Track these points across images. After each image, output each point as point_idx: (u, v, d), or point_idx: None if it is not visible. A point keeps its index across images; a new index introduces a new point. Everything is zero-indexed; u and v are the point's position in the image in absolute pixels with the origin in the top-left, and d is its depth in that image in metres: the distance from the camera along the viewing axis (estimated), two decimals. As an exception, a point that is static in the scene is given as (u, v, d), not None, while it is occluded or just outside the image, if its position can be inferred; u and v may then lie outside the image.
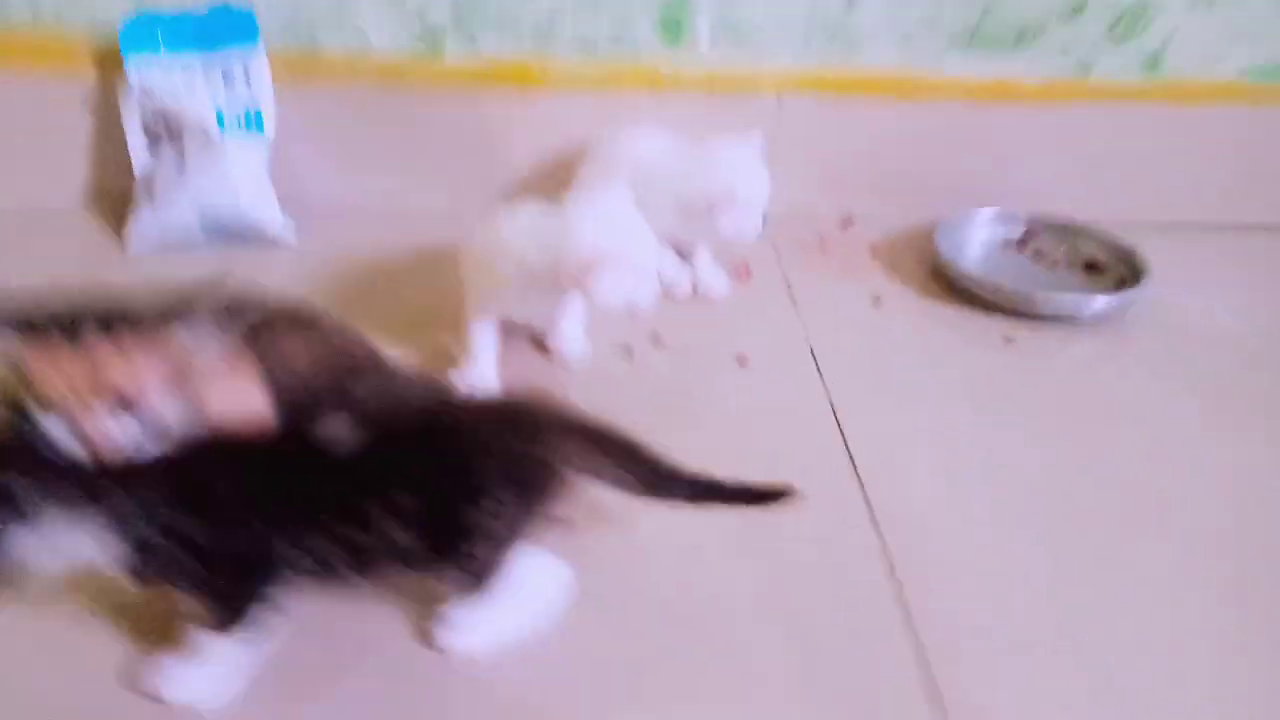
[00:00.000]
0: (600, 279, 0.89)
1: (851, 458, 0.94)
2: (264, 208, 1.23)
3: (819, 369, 1.07)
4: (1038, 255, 1.31)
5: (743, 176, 1.10)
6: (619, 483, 0.73)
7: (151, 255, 1.21)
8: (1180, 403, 1.05)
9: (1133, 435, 1.00)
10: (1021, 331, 1.15)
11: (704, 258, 1.21)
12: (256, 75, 1.22)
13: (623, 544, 0.82)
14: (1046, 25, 1.28)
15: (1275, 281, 1.30)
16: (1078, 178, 1.36)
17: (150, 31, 1.19)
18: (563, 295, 0.98)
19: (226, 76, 1.22)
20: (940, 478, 0.93)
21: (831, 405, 1.01)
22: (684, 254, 1.20)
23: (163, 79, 1.20)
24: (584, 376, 1.04)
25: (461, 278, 1.01)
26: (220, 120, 1.21)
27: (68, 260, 1.20)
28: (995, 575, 0.83)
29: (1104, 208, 1.33)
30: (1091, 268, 1.28)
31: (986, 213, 1.34)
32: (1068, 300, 1.18)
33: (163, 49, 1.20)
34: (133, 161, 1.23)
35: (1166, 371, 1.10)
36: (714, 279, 1.20)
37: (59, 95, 1.24)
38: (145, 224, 1.21)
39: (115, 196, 1.28)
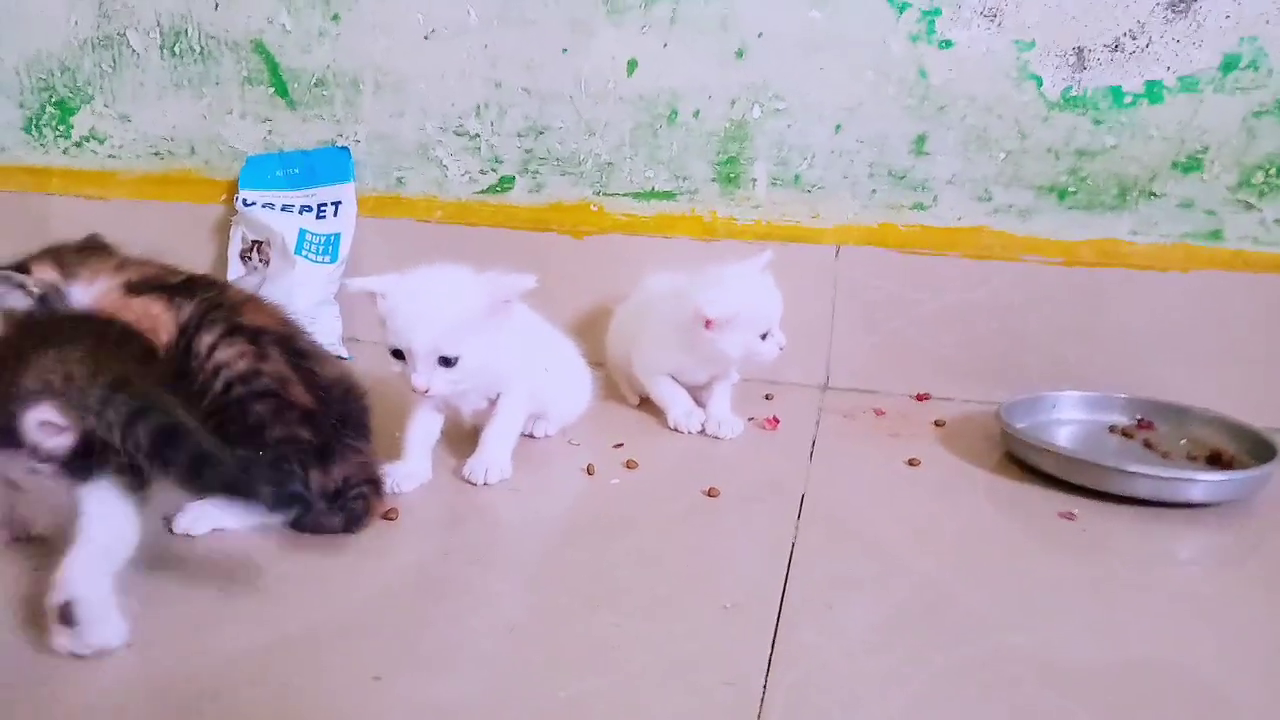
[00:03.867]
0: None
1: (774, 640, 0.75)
2: (324, 325, 1.30)
3: (800, 508, 0.90)
4: (1148, 446, 1.06)
5: (740, 290, 1.02)
6: None
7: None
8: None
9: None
10: (1087, 511, 0.91)
11: (722, 402, 1.10)
12: (344, 207, 1.34)
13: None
14: (1158, 178, 1.12)
15: None
16: (1195, 360, 1.12)
17: (264, 168, 1.36)
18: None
19: (320, 208, 1.34)
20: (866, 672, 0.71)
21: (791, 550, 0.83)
22: (700, 399, 1.11)
23: (261, 205, 1.34)
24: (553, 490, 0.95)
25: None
26: (301, 242, 1.32)
27: None
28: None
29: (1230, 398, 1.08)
30: (1216, 460, 1.01)
31: (1081, 395, 1.12)
32: (1150, 478, 0.92)
33: (269, 182, 1.36)
34: (228, 274, 1.36)
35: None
36: (727, 421, 1.08)
37: (191, 220, 1.43)
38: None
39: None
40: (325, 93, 1.35)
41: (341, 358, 1.27)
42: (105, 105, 1.44)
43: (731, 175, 1.24)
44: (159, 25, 1.38)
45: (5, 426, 0.64)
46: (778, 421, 1.11)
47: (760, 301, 1.03)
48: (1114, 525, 0.89)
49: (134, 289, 0.84)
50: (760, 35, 1.19)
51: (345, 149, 1.35)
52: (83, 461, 0.66)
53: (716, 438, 1.06)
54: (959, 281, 1.19)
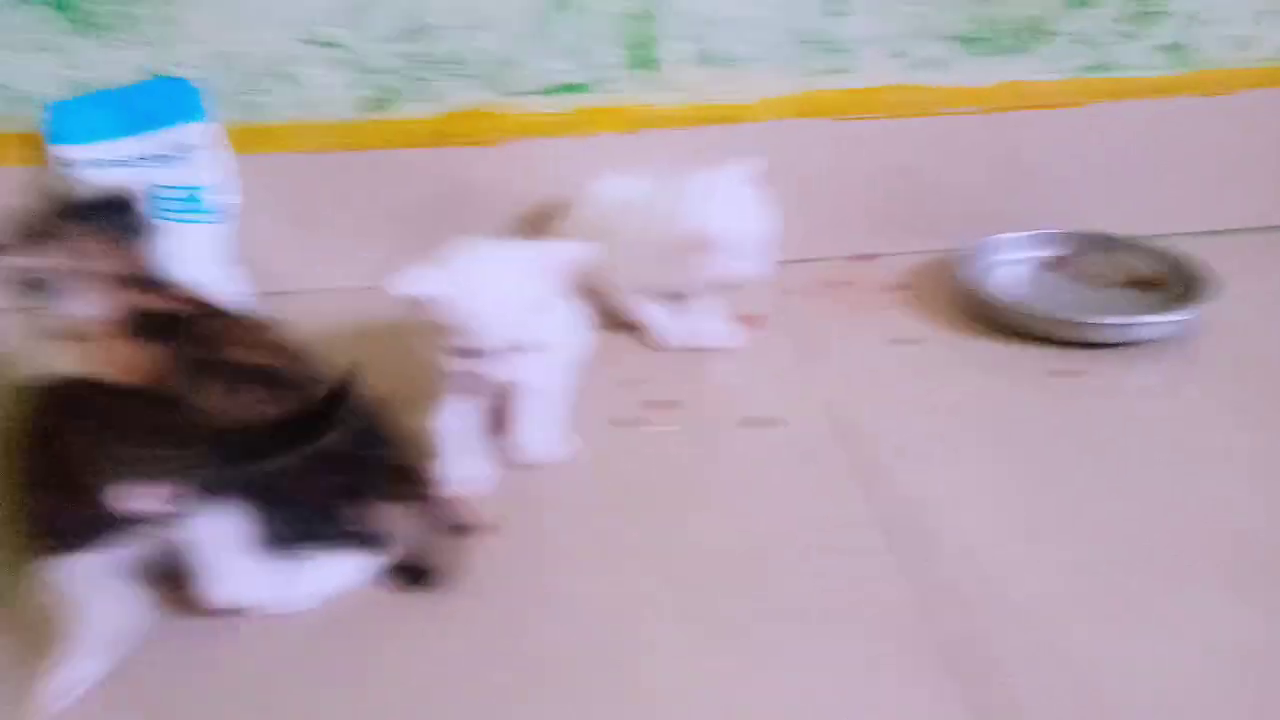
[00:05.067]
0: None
1: (888, 531, 0.78)
2: (235, 290, 1.12)
3: (838, 427, 0.92)
4: (1079, 276, 1.16)
5: (729, 211, 0.97)
6: None
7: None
8: (1265, 432, 0.89)
9: (1217, 474, 0.84)
10: (1069, 364, 1.00)
11: (706, 306, 1.07)
12: (200, 153, 1.12)
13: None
14: (1053, 18, 1.17)
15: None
16: (1109, 187, 1.23)
17: (80, 115, 1.10)
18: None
19: (166, 157, 1.11)
20: (1000, 543, 0.77)
21: (855, 467, 0.86)
22: (680, 301, 1.07)
23: (90, 165, 1.10)
24: (593, 449, 0.89)
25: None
26: (163, 205, 1.10)
27: None
28: (1093, 657, 0.66)
29: (1143, 219, 1.20)
30: (1144, 284, 1.13)
31: (1015, 236, 1.20)
32: (1118, 324, 1.03)
33: (92, 133, 1.10)
34: (66, 255, 1.12)
35: (1238, 396, 0.94)
36: (719, 328, 1.06)
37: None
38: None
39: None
40: (131, 9, 1.09)
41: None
42: None
43: (645, 59, 1.16)
44: None
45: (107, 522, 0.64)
46: (755, 320, 1.10)
47: (756, 223, 0.99)
48: (1102, 369, 0.98)
49: (127, 328, 0.72)
50: (659, -102, 1.08)
51: (182, 79, 1.11)
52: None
53: (711, 349, 1.05)
54: (883, 141, 1.20)
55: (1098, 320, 1.02)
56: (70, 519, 0.67)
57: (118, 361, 0.71)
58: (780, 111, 1.18)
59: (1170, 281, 1.11)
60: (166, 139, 1.11)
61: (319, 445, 0.68)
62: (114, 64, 1.11)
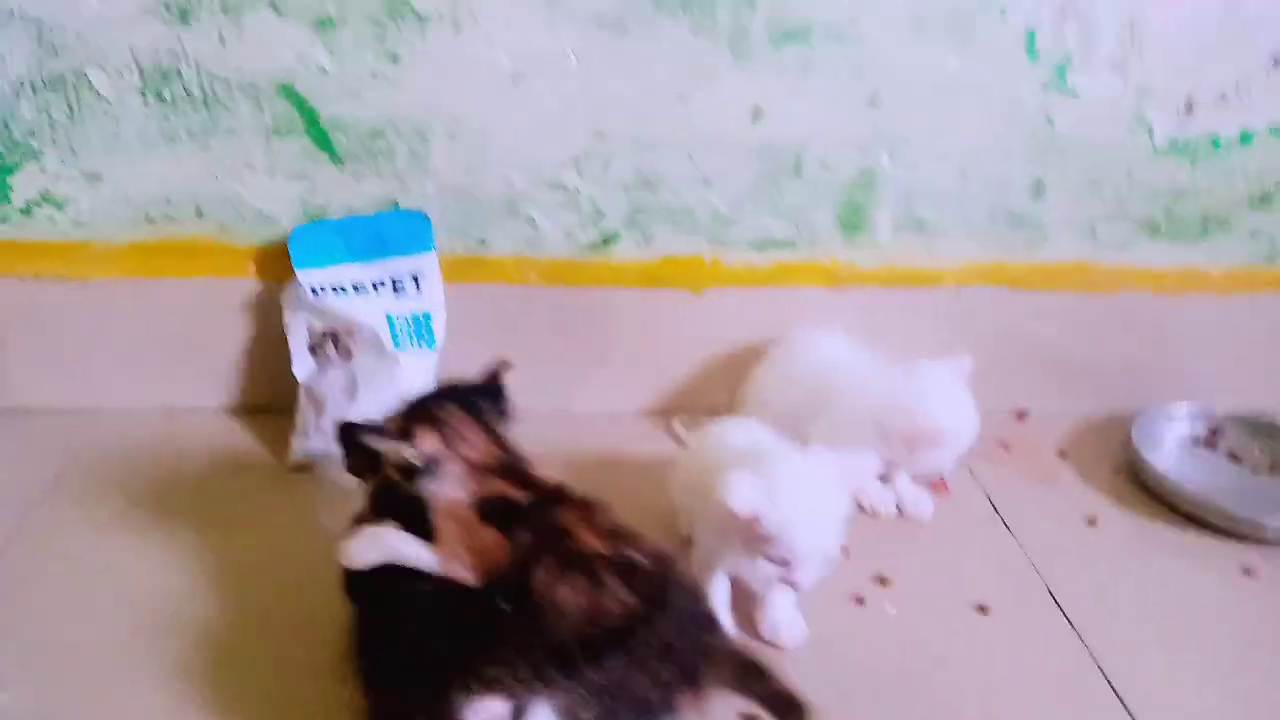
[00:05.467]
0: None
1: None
2: None
3: (1064, 613, 0.99)
4: (1233, 457, 1.25)
5: (953, 409, 1.05)
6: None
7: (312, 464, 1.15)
8: None
9: None
10: (1255, 559, 1.08)
11: (904, 477, 1.14)
12: (428, 282, 1.17)
13: None
14: (1235, 213, 1.25)
15: None
16: (1266, 371, 1.31)
17: (320, 240, 1.15)
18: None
19: (397, 285, 1.16)
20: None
21: (1092, 656, 0.94)
22: (884, 475, 1.14)
23: (331, 289, 1.14)
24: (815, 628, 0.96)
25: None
26: (393, 332, 1.15)
27: (220, 464, 1.15)
28: None
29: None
30: (1294, 467, 1.22)
31: (1175, 408, 1.28)
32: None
33: (332, 257, 1.15)
34: (295, 372, 1.17)
35: None
36: (919, 499, 1.13)
37: (208, 299, 1.19)
38: (311, 436, 1.15)
39: (263, 406, 1.24)
40: (382, 145, 1.13)
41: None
42: (61, 162, 1.12)
43: (854, 222, 1.22)
44: (136, 64, 1.07)
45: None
46: (945, 485, 1.17)
47: (971, 421, 1.06)
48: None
49: (484, 513, 0.79)
50: (893, 83, 1.14)
51: (422, 214, 1.16)
52: None
53: (909, 516, 1.12)
54: (1060, 311, 1.28)
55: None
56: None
57: (475, 547, 0.77)
58: (970, 279, 1.25)
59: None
60: (397, 267, 1.16)
61: (657, 634, 0.74)
62: (355, 193, 1.16)
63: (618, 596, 0.75)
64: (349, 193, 1.16)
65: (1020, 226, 1.24)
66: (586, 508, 0.81)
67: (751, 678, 0.77)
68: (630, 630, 0.74)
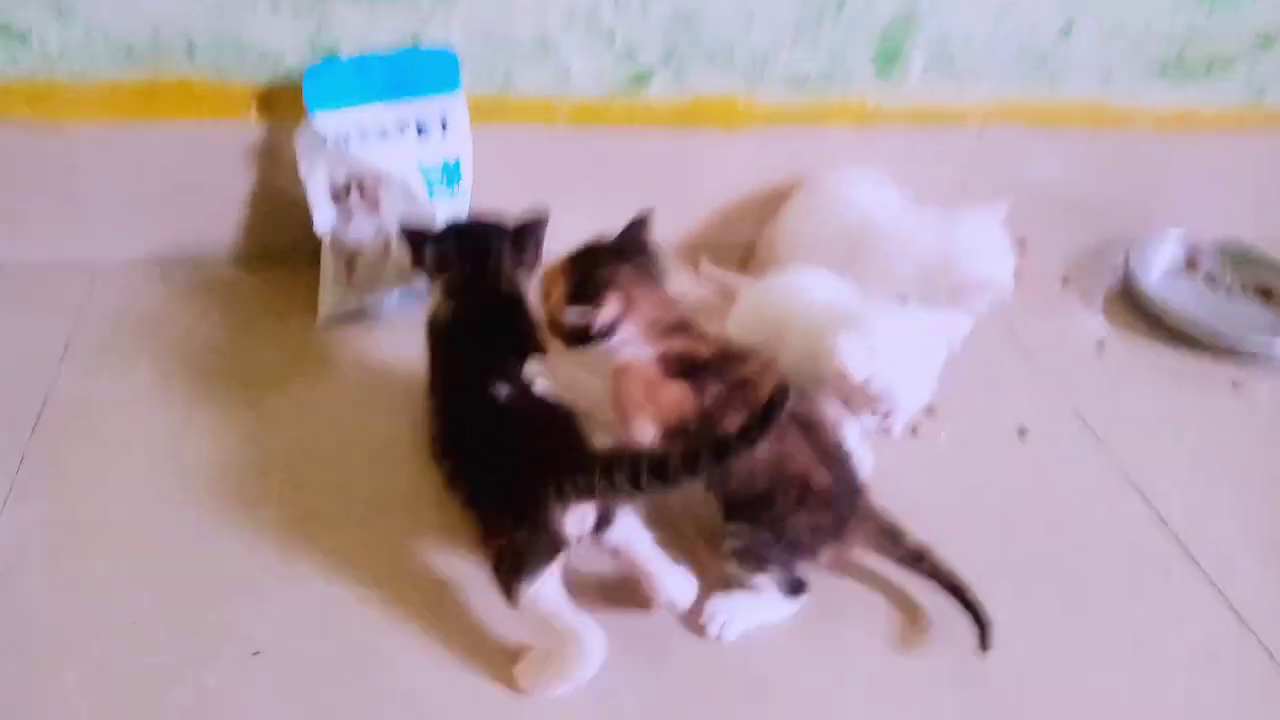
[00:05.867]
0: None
1: (1179, 540, 0.96)
2: None
3: (1091, 430, 1.08)
4: (1209, 280, 1.35)
5: (997, 263, 1.07)
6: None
7: (339, 325, 1.11)
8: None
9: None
10: (1242, 375, 1.19)
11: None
12: (455, 124, 1.09)
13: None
14: (1240, 54, 1.28)
15: None
16: (1247, 203, 1.40)
17: (337, 79, 1.04)
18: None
19: (421, 127, 1.08)
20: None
21: (1121, 468, 1.03)
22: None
23: (354, 134, 1.05)
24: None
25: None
26: (426, 181, 1.08)
27: (240, 323, 1.10)
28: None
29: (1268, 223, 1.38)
30: (1267, 294, 1.33)
31: (1162, 238, 1.36)
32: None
33: (350, 98, 1.05)
34: (316, 223, 1.09)
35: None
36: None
37: (204, 147, 1.09)
38: (340, 294, 1.09)
39: (275, 257, 1.16)
40: (407, -26, 1.02)
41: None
42: (24, -13, 0.97)
43: (889, 61, 1.20)
44: None
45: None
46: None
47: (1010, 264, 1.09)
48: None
49: (671, 369, 0.80)
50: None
51: (449, 52, 1.06)
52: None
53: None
54: (1070, 149, 1.31)
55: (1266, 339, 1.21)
56: (529, 545, 0.75)
57: (662, 402, 0.79)
58: (991, 119, 1.26)
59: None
60: (422, 109, 1.08)
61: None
62: (370, 29, 1.05)
63: (799, 446, 0.79)
64: (363, 31, 1.05)
65: (1043, 66, 1.24)
66: (763, 362, 0.82)
67: (888, 540, 0.83)
68: (805, 478, 0.78)
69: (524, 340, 0.88)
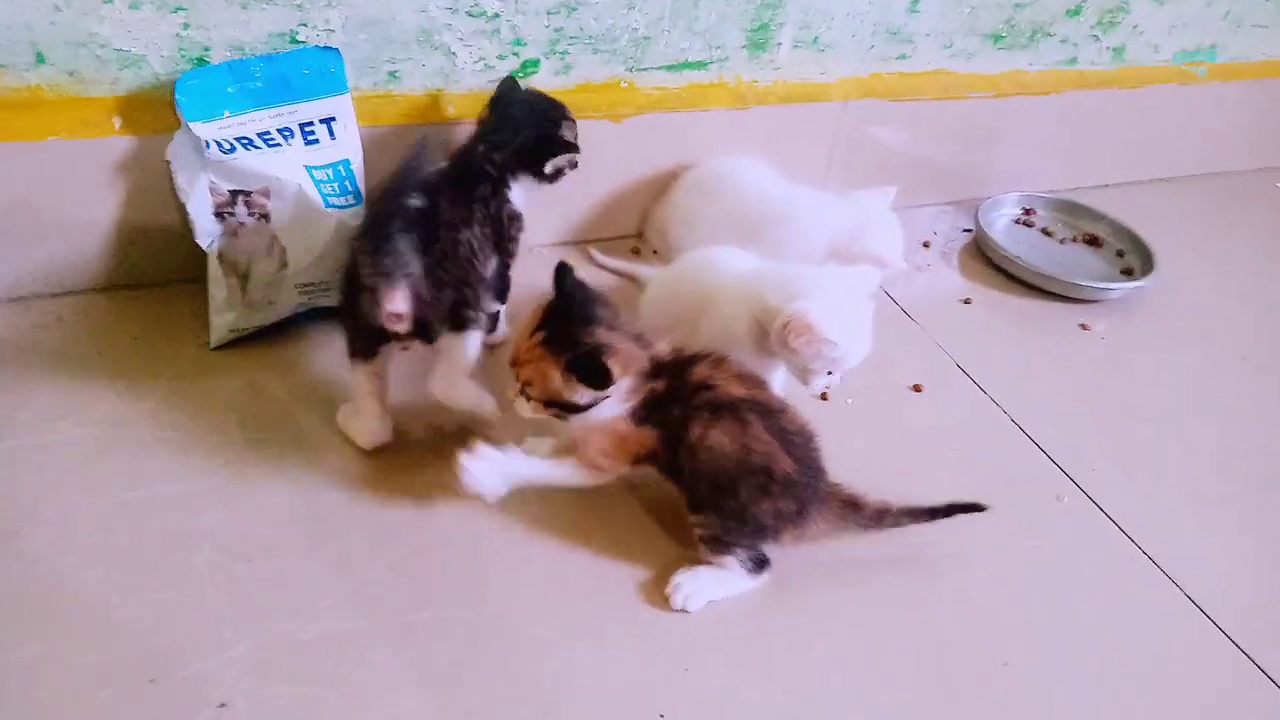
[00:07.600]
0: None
1: (1059, 465, 1.07)
2: None
3: (972, 379, 1.18)
4: (1045, 233, 1.50)
5: (892, 240, 1.15)
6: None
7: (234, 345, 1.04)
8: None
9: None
10: (1088, 318, 1.33)
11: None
12: (343, 126, 1.05)
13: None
14: (1054, 23, 1.42)
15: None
16: (1069, 158, 1.56)
17: (211, 87, 0.98)
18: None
19: (307, 132, 1.03)
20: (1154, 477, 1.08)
21: (1003, 411, 1.14)
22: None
23: (233, 143, 0.99)
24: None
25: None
26: (316, 184, 1.03)
27: (107, 349, 1.02)
28: None
29: (1086, 175, 1.55)
30: (1092, 242, 1.49)
31: (1004, 198, 1.50)
32: (1126, 287, 1.37)
33: (229, 105, 0.99)
34: (199, 240, 1.01)
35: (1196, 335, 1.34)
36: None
37: (62, 166, 0.99)
38: (234, 314, 1.03)
39: (149, 280, 1.08)
40: (277, -34, 0.96)
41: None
42: None
43: (760, 41, 1.24)
44: None
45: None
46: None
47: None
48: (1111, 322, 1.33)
49: (638, 416, 0.84)
50: (804, -102, 1.15)
51: (333, 50, 1.01)
52: None
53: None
54: (920, 119, 1.41)
55: (1102, 285, 1.36)
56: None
57: (630, 452, 0.85)
58: (853, 93, 1.34)
59: (1111, 240, 1.48)
60: (306, 112, 1.03)
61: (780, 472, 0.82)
62: (243, 26, 0.99)
63: (761, 436, 0.82)
64: (236, 27, 0.98)
65: (896, 40, 1.33)
66: (715, 359, 0.85)
67: (851, 510, 0.87)
68: (768, 467, 0.82)
69: None
